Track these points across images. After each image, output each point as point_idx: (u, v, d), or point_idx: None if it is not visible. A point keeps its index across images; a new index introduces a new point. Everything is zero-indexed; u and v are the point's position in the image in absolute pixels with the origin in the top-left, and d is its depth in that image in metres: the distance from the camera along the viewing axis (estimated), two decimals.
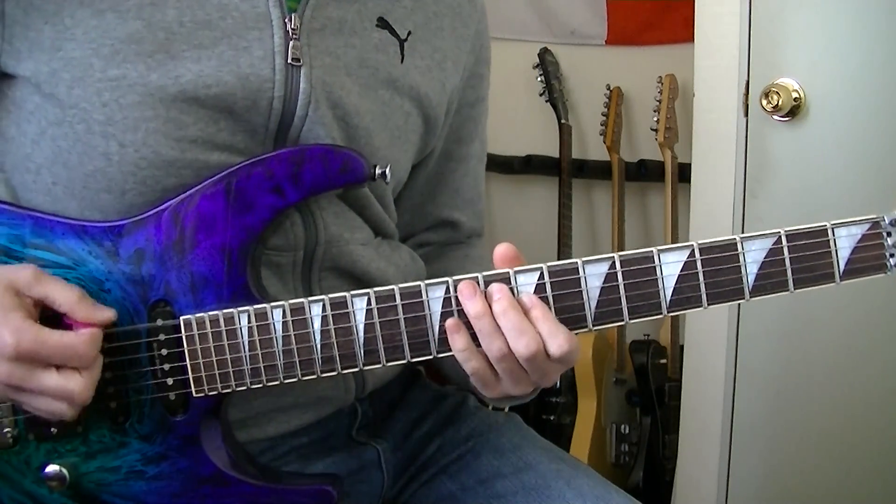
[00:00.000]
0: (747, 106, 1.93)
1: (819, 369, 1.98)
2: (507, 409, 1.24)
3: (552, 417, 2.49)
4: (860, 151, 1.86)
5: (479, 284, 0.89)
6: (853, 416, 1.96)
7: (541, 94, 2.66)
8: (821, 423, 2.00)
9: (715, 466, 2.07)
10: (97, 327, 0.88)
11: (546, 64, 2.65)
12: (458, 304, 0.89)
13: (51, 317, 0.88)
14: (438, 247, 1.24)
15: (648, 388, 2.49)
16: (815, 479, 2.02)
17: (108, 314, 0.90)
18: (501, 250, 0.90)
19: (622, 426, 2.54)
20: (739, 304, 2.01)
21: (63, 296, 0.88)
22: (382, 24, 1.05)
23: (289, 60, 0.96)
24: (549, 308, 0.89)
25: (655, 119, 2.47)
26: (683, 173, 2.35)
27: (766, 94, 1.86)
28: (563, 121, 2.61)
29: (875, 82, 1.84)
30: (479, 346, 0.89)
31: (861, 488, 1.97)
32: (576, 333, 0.90)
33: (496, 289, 0.89)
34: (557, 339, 0.87)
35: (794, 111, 1.87)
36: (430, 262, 1.19)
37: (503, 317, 0.87)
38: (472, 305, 0.88)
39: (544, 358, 0.88)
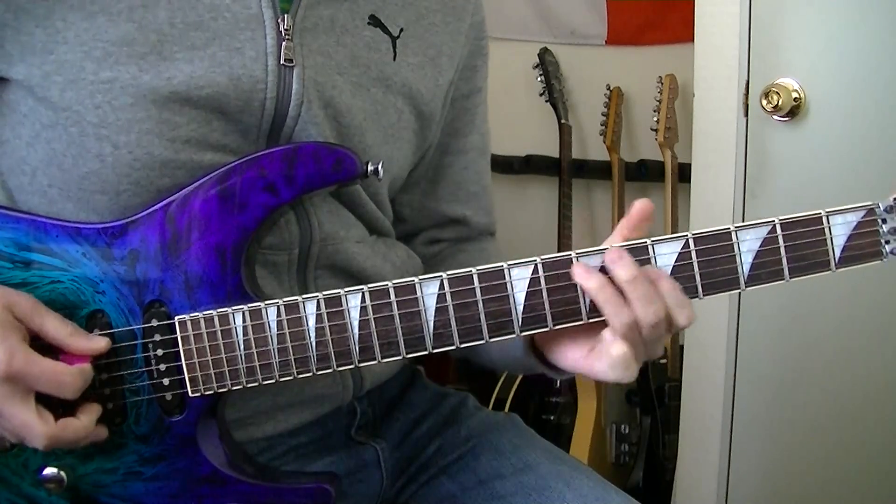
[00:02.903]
0: (747, 106, 1.93)
1: (819, 369, 1.98)
2: (506, 410, 1.24)
3: (552, 417, 2.48)
4: (860, 151, 1.86)
5: (472, 279, 0.89)
6: (853, 416, 1.96)
7: (541, 94, 2.65)
8: (821, 423, 2.00)
9: (715, 466, 2.07)
10: (90, 360, 0.89)
11: (546, 64, 2.65)
12: (453, 298, 0.89)
13: (43, 349, 0.89)
14: (452, 243, 1.23)
15: (648, 388, 2.48)
16: (816, 479, 2.02)
17: (101, 343, 0.91)
18: (643, 209, 0.90)
19: (622, 426, 2.53)
20: (739, 304, 2.01)
21: (56, 329, 0.89)
22: (374, 21, 1.05)
23: (281, 61, 0.96)
24: (544, 301, 0.89)
25: (655, 119, 2.47)
26: (683, 173, 2.35)
27: (766, 94, 1.86)
28: (563, 121, 2.61)
29: (875, 82, 1.84)
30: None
31: (861, 489, 1.97)
32: (571, 327, 0.90)
33: (616, 254, 0.88)
34: (687, 312, 0.88)
35: (794, 111, 1.87)
36: (448, 258, 1.19)
37: (631, 285, 0.86)
38: (593, 280, 0.87)
39: (664, 327, 0.88)
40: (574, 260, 0.89)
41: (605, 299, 0.87)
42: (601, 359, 0.89)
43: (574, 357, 0.93)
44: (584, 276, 0.88)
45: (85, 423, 0.90)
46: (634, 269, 0.87)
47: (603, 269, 0.89)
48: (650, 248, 0.89)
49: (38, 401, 0.87)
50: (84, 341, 0.90)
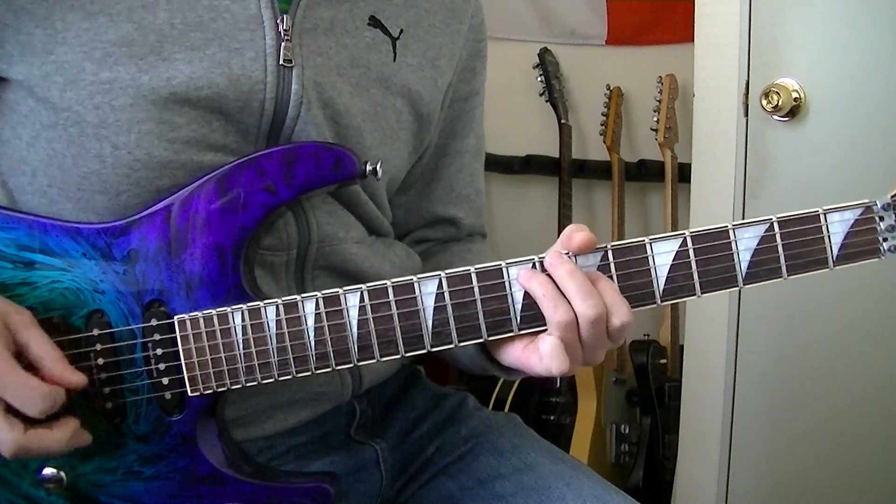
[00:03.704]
0: (747, 106, 1.93)
1: (819, 369, 1.98)
2: (506, 410, 1.24)
3: (552, 417, 2.49)
4: (860, 151, 1.86)
5: (471, 278, 0.89)
6: (854, 415, 1.96)
7: (541, 94, 2.65)
8: (821, 423, 2.00)
9: (715, 466, 2.07)
10: (64, 387, 0.87)
11: (546, 64, 2.65)
12: (451, 297, 0.90)
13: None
14: (439, 243, 1.23)
15: (648, 388, 2.49)
16: (816, 478, 2.02)
17: (78, 378, 0.89)
18: (576, 235, 0.89)
19: (622, 426, 2.53)
20: (739, 304, 2.01)
21: (43, 349, 0.88)
22: (374, 22, 1.05)
23: (281, 62, 0.96)
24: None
25: (655, 119, 2.47)
26: (683, 173, 2.35)
27: (766, 94, 1.86)
28: (563, 121, 2.61)
29: (875, 82, 1.84)
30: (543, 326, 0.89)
31: (861, 489, 1.97)
32: None
33: (555, 255, 0.89)
34: (621, 310, 0.87)
35: (794, 111, 1.87)
36: (430, 257, 1.19)
37: (570, 278, 0.87)
38: (534, 281, 0.88)
39: (604, 326, 0.88)
40: (573, 258, 0.89)
41: (545, 294, 0.88)
42: (535, 351, 0.90)
43: (514, 352, 0.93)
44: (527, 277, 0.89)
45: (58, 437, 0.87)
46: (573, 265, 0.88)
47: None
48: (648, 245, 0.89)
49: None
50: (63, 370, 0.88)
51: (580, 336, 0.88)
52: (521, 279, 0.89)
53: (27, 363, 0.87)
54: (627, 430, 2.54)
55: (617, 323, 0.87)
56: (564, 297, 0.87)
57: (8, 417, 0.85)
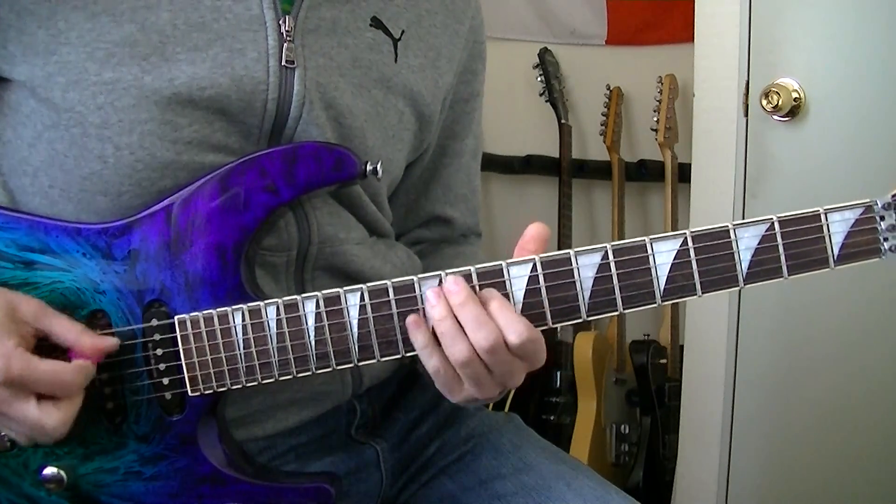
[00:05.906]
0: (747, 106, 1.93)
1: (819, 369, 1.98)
2: (506, 410, 1.24)
3: (552, 417, 2.49)
4: (860, 151, 1.86)
5: (472, 278, 0.89)
6: (854, 415, 1.96)
7: (541, 94, 2.66)
8: (821, 422, 2.00)
9: (715, 466, 2.07)
10: (99, 358, 0.90)
11: (546, 64, 2.66)
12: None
13: (49, 347, 0.89)
14: (432, 244, 1.24)
15: (648, 388, 2.49)
16: (816, 478, 2.02)
17: (110, 342, 0.91)
18: (533, 231, 0.90)
19: (622, 426, 2.54)
20: (739, 304, 2.01)
21: (64, 330, 0.89)
22: (376, 23, 1.05)
23: (283, 62, 0.96)
24: (543, 299, 0.89)
25: (655, 119, 2.47)
26: (683, 173, 2.35)
27: (766, 94, 1.86)
28: (563, 121, 2.61)
29: (875, 82, 1.84)
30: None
31: (861, 488, 1.97)
32: (571, 324, 0.90)
33: (451, 281, 0.89)
34: (515, 327, 0.87)
35: (794, 111, 1.87)
36: (422, 259, 1.19)
37: (462, 309, 0.87)
38: (436, 310, 0.88)
39: (505, 351, 0.88)
40: (573, 258, 0.89)
41: (442, 332, 0.88)
42: None
43: None
44: (433, 304, 0.88)
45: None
46: (447, 308, 0.88)
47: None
48: (648, 245, 0.89)
49: None
50: (94, 340, 0.90)
51: (485, 365, 0.89)
52: (427, 304, 0.89)
53: (53, 345, 0.89)
54: (627, 430, 2.54)
55: (515, 341, 0.87)
56: (462, 333, 0.88)
57: (44, 406, 0.86)
